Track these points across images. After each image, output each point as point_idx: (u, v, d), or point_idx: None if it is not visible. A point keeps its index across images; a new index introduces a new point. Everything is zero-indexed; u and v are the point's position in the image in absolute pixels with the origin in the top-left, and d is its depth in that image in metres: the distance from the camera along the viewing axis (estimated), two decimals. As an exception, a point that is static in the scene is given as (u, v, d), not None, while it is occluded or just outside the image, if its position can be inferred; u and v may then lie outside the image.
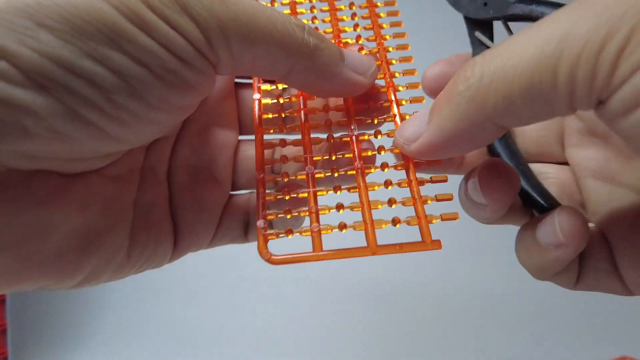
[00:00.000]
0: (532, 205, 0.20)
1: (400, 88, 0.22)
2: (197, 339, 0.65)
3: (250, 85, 0.23)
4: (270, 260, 0.18)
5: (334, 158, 0.20)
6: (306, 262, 0.18)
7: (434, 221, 0.18)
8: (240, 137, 0.24)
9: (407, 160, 0.19)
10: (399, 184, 0.19)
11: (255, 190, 0.22)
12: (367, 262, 0.19)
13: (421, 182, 0.19)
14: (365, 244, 0.18)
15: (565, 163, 0.23)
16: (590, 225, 0.20)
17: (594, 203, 0.21)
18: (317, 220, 0.18)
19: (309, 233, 0.18)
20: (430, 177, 0.19)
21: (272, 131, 0.21)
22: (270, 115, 0.21)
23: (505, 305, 0.63)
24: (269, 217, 0.19)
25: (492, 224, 0.21)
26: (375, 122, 0.21)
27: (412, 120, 0.18)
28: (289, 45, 0.17)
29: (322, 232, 0.18)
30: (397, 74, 0.22)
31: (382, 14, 0.24)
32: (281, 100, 0.22)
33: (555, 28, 0.13)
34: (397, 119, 0.20)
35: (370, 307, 0.63)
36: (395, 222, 0.18)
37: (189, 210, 0.21)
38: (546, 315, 0.62)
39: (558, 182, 0.22)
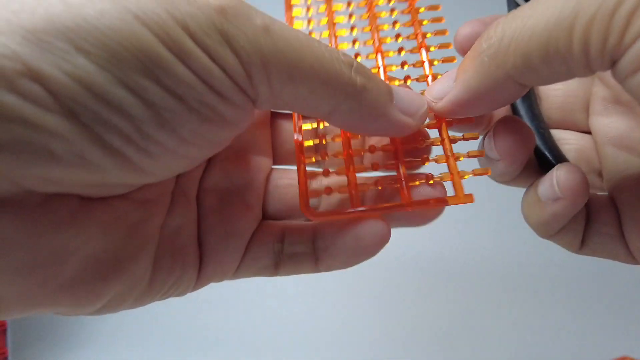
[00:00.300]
0: (548, 167, 0.21)
1: (432, 48, 0.22)
2: (198, 339, 0.65)
3: (286, 116, 0.23)
4: (311, 214, 0.18)
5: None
6: (345, 218, 0.18)
7: (465, 177, 0.18)
8: (274, 167, 0.23)
9: (439, 120, 0.20)
10: (432, 142, 0.20)
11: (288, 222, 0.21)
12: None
13: (454, 140, 0.19)
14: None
15: (588, 132, 0.23)
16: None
17: (610, 170, 0.21)
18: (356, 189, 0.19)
19: (347, 191, 0.19)
20: (463, 135, 0.20)
21: (313, 159, 0.21)
22: (313, 160, 0.21)
23: (506, 306, 0.63)
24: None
25: (508, 183, 0.21)
26: (426, 163, 0.20)
27: (441, 79, 0.19)
28: (334, 84, 0.16)
29: (359, 190, 0.19)
30: (428, 35, 0.22)
31: None
32: (324, 142, 0.21)
33: None
34: (429, 79, 0.21)
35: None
36: (428, 178, 0.19)
37: (216, 234, 0.20)
38: (546, 315, 0.63)
39: (577, 148, 0.23)
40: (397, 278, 0.62)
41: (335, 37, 0.22)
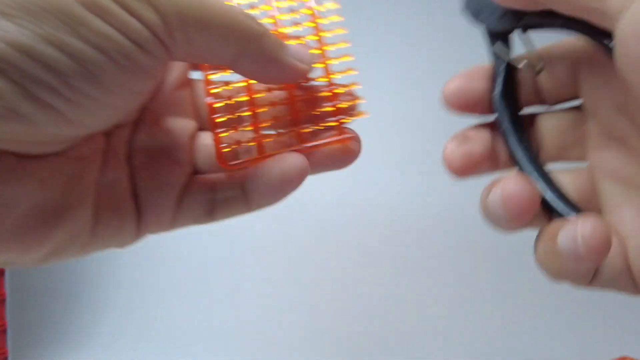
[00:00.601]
0: (552, 210, 0.21)
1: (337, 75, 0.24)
2: (198, 340, 0.65)
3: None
4: (226, 165, 0.22)
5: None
6: (256, 164, 0.22)
7: (347, 120, 0.23)
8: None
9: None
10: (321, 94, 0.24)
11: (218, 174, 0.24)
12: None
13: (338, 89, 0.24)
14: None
15: (584, 164, 0.23)
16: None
17: (609, 204, 0.21)
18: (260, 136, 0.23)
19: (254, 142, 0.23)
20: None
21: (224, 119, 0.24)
22: (224, 118, 0.24)
23: (505, 307, 0.64)
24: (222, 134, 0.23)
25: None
26: (318, 111, 0.24)
27: None
28: (238, 29, 0.19)
29: (264, 139, 0.23)
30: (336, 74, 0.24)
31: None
32: (233, 101, 0.24)
33: None
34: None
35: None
36: (321, 125, 0.23)
37: (148, 188, 0.22)
38: (546, 315, 0.63)
39: (576, 188, 0.22)
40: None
41: None
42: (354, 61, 0.24)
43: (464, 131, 0.24)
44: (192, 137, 0.24)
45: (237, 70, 0.21)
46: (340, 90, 0.24)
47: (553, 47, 0.23)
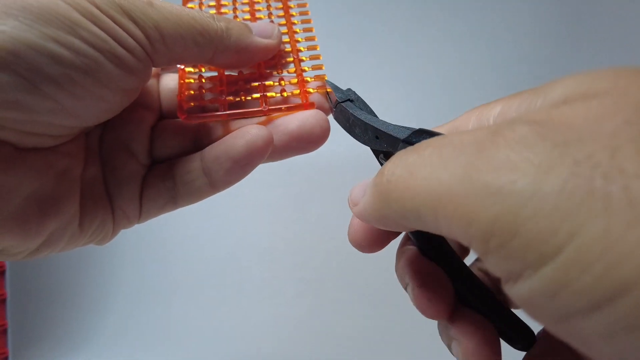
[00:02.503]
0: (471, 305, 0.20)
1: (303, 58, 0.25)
2: (198, 340, 0.65)
3: (171, 69, 0.26)
4: (187, 117, 0.23)
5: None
6: (217, 120, 0.23)
7: (311, 90, 0.24)
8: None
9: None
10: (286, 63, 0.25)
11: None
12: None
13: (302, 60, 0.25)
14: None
15: None
16: None
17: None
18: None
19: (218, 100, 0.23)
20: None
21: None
22: (192, 81, 0.25)
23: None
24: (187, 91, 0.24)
25: None
26: (282, 83, 0.25)
27: (361, 185, 0.19)
28: (207, 31, 0.21)
29: (229, 100, 0.23)
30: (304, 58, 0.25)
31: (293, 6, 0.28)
32: (202, 69, 0.25)
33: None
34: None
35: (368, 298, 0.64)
36: (282, 92, 0.24)
37: (111, 183, 0.23)
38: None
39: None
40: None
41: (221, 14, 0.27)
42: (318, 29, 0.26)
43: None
44: (154, 126, 0.24)
45: (215, 65, 0.23)
46: (305, 57, 0.25)
47: None
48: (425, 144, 0.14)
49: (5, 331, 0.63)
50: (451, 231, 0.12)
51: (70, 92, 0.18)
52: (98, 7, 0.18)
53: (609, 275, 0.09)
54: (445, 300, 0.19)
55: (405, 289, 0.21)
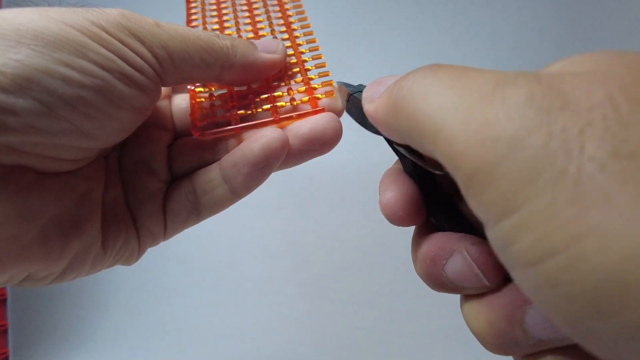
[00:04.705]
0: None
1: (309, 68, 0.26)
2: (198, 340, 0.65)
3: (182, 90, 0.27)
4: (200, 134, 0.23)
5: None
6: (231, 134, 0.23)
7: (320, 96, 0.24)
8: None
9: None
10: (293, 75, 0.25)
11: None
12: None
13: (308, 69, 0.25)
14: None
15: None
16: None
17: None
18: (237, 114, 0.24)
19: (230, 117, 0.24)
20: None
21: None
22: (203, 99, 0.25)
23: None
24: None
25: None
26: (291, 93, 0.25)
27: (378, 82, 0.19)
28: (213, 49, 0.21)
29: (240, 114, 0.24)
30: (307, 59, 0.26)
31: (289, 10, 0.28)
32: (212, 89, 0.25)
33: None
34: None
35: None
36: (292, 101, 0.24)
37: (134, 202, 0.23)
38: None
39: None
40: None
41: (223, 30, 0.28)
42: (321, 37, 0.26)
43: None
44: (170, 144, 0.25)
45: (223, 82, 0.23)
46: (310, 67, 0.25)
47: None
48: (444, 69, 0.15)
49: (5, 331, 0.63)
50: (446, 166, 0.14)
51: (84, 113, 0.18)
52: (106, 31, 0.19)
53: (542, 240, 0.11)
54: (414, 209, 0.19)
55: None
